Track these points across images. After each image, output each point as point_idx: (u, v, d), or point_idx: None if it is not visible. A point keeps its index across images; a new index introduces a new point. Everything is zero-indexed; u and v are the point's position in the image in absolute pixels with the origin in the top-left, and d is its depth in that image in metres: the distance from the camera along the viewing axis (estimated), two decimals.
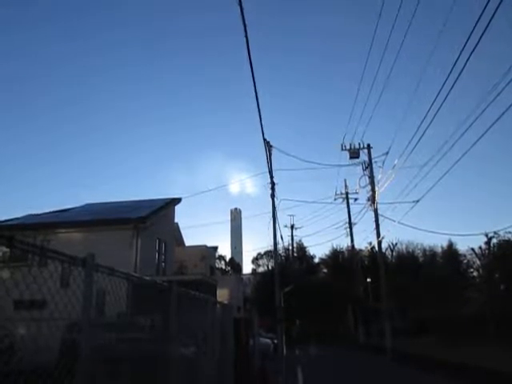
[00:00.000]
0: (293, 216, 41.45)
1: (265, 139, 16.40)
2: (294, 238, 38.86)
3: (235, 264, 69.98)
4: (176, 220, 24.35)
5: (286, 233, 42.29)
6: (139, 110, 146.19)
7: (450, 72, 7.56)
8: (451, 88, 8.16)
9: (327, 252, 47.37)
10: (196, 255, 24.05)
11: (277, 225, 16.89)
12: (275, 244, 15.68)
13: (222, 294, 19.73)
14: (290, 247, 39.89)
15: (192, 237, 32.25)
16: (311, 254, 47.71)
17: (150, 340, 3.50)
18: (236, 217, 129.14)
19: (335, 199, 27.69)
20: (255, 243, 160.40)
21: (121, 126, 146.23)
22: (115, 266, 2.52)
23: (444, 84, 8.18)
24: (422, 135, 11.17)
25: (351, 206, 27.86)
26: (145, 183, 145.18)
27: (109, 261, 2.53)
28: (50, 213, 21.13)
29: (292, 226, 36.18)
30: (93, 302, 2.04)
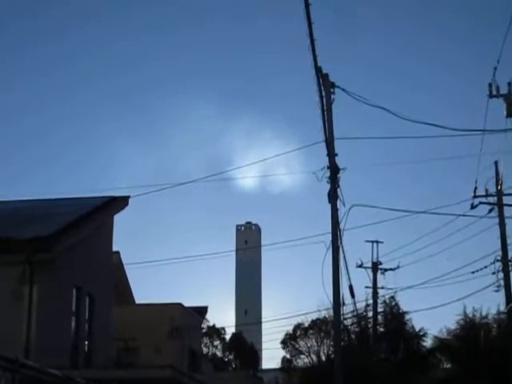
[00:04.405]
0: (377, 244, 40.90)
1: (318, 68, 16.18)
2: (380, 291, 38.31)
3: (246, 347, 69.87)
4: (116, 247, 24.84)
5: (362, 279, 41.48)
6: None
7: None
8: None
9: (452, 324, 46.34)
10: (159, 325, 24.49)
11: (341, 261, 16.61)
12: (337, 306, 16.06)
13: None
14: (371, 312, 39.42)
15: (152, 285, 33.07)
16: (416, 328, 46.90)
17: None
18: (249, 242, 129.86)
19: (474, 206, 27.07)
20: (289, 302, 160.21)
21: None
22: None
23: None
24: None
25: (507, 222, 27.64)
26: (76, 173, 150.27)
27: None
28: None
29: (375, 266, 35.63)
30: None
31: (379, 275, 36.72)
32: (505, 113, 21.45)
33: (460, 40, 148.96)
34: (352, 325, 42.23)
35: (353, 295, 23.94)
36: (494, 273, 27.56)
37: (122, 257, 27.54)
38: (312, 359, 56.77)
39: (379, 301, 39.68)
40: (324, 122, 17.34)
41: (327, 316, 60.62)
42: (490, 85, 21.85)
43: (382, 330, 41.73)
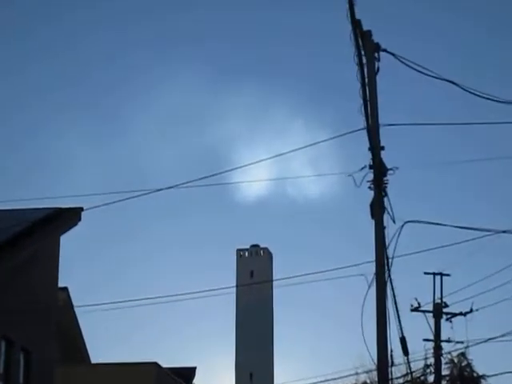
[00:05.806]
0: (441, 277, 40.94)
1: (356, 23, 16.21)
2: (445, 346, 38.51)
3: None
4: (63, 281, 25.25)
5: (419, 328, 41.59)
6: None
7: None
8: None
9: None
10: None
11: (389, 303, 16.65)
12: (383, 367, 16.35)
13: None
14: (432, 376, 39.66)
15: (116, 336, 33.10)
16: None
17: None
18: (256, 273, 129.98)
19: None
20: (313, 361, 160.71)
21: None
22: None
23: None
24: None
25: None
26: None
27: None
28: None
29: (439, 309, 35.66)
30: None
31: (444, 323, 36.63)
32: None
33: None
34: None
35: (406, 351, 23.82)
36: None
37: (71, 295, 27.44)
38: None
39: (444, 359, 39.74)
40: (365, 102, 17.03)
41: (369, 381, 60.90)
42: None
43: None
